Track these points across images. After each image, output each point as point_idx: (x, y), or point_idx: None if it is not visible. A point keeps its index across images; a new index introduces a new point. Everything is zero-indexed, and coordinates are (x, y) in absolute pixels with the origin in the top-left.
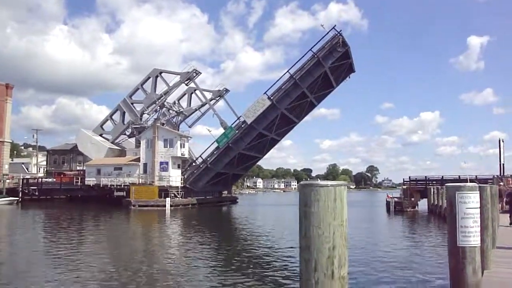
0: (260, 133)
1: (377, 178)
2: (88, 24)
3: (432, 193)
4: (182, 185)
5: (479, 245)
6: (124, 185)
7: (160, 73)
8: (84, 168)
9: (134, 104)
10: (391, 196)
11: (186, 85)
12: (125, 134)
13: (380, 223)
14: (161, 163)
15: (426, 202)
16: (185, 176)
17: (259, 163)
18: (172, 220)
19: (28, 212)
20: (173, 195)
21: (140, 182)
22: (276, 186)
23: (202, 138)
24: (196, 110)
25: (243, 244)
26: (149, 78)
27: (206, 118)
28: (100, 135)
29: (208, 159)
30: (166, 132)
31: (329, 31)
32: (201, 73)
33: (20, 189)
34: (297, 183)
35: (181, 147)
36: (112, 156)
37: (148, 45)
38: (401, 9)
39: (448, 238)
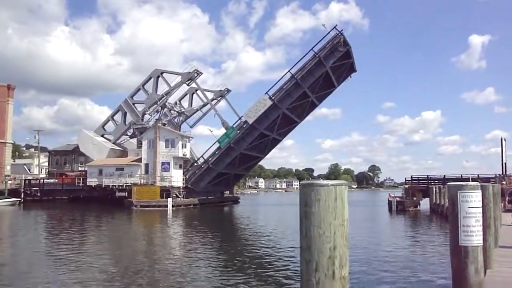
0: (261, 133)
1: (379, 177)
2: (89, 25)
3: (434, 193)
4: (184, 186)
5: (481, 244)
6: (126, 185)
7: (161, 73)
8: (86, 169)
9: (136, 105)
10: (393, 195)
11: (188, 85)
12: (126, 135)
13: (382, 222)
14: (163, 163)
15: (428, 202)
16: (187, 176)
17: (260, 163)
18: (174, 220)
19: (30, 213)
20: (175, 195)
21: (142, 182)
22: (278, 186)
23: (204, 138)
24: (197, 110)
25: (245, 244)
26: (150, 78)
27: (208, 118)
28: (102, 135)
29: (209, 159)
30: (167, 133)
31: (330, 30)
32: (202, 73)
33: (22, 190)
34: (299, 183)
35: (182, 147)
36: (113, 156)
37: (149, 45)
38: (402, 8)
39: (450, 237)
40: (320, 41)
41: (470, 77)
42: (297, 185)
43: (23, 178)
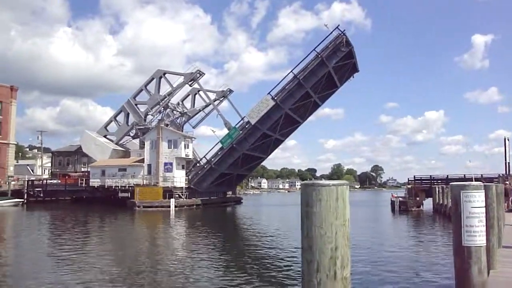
0: (264, 133)
1: (381, 177)
2: (92, 26)
3: (437, 193)
4: (187, 186)
5: (485, 244)
6: (128, 186)
7: (164, 74)
8: (89, 170)
9: (138, 105)
10: (396, 195)
11: (190, 86)
12: (129, 135)
13: (385, 222)
14: (165, 164)
15: (431, 202)
16: (190, 176)
17: (263, 163)
18: (177, 221)
19: (33, 214)
20: (177, 196)
21: (145, 183)
22: (280, 186)
23: (206, 139)
24: (200, 110)
25: (248, 245)
26: (153, 79)
27: (210, 118)
28: (105, 136)
29: (212, 159)
30: (170, 133)
31: (333, 30)
32: (204, 74)
33: (25, 190)
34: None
35: (185, 148)
36: (116, 157)
37: (152, 46)
38: (405, 8)
39: (453, 237)
40: (322, 41)
41: (473, 77)
42: (299, 185)
43: (26, 179)
